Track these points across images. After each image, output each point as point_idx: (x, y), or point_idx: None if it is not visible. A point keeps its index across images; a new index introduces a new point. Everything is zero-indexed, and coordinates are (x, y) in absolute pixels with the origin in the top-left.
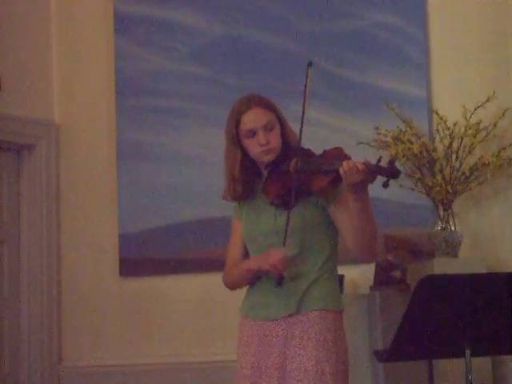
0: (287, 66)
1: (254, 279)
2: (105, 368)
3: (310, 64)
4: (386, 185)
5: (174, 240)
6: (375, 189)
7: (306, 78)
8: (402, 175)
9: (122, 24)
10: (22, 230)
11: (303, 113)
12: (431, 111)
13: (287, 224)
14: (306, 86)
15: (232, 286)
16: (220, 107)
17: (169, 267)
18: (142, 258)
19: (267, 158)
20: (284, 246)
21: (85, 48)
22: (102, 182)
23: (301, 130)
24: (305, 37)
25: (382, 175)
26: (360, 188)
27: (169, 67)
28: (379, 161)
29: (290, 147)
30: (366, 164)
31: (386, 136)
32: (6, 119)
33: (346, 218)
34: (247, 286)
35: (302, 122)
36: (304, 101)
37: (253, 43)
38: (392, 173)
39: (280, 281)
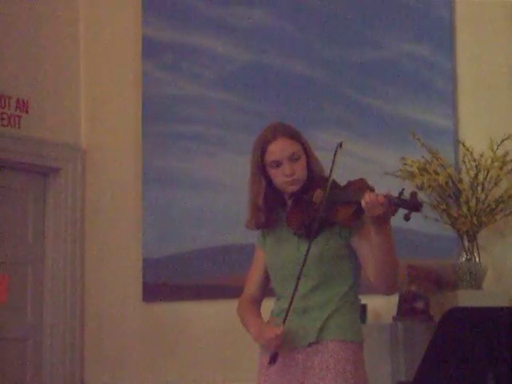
0: (313, 93)
1: None
2: None
3: (340, 145)
4: (407, 218)
5: (197, 266)
6: (399, 219)
7: (334, 155)
8: (427, 206)
9: (150, 49)
10: (46, 253)
11: (329, 181)
12: (457, 142)
13: (305, 259)
14: (333, 163)
15: (241, 319)
16: (245, 133)
17: (192, 293)
18: (165, 283)
19: (292, 189)
20: (284, 322)
21: (112, 73)
22: (127, 206)
23: (332, 167)
24: (331, 65)
25: (403, 208)
26: (382, 220)
27: (195, 93)
28: (401, 193)
29: (314, 177)
30: (388, 196)
31: (411, 166)
32: (33, 142)
33: (368, 249)
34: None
35: (334, 158)
36: (329, 176)
37: (279, 70)
38: (414, 206)
39: (273, 358)
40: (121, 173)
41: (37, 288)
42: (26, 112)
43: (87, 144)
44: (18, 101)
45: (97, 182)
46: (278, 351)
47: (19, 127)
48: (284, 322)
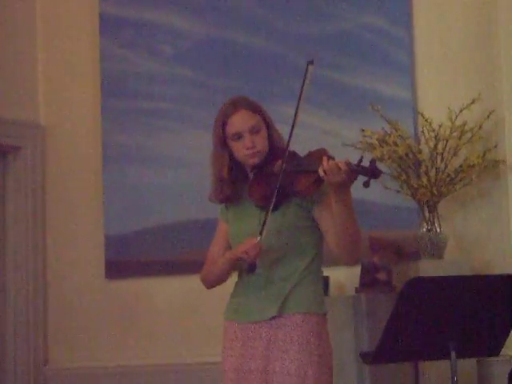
0: (273, 68)
1: (231, 270)
2: (90, 370)
3: (311, 62)
4: (366, 184)
5: (159, 242)
6: (360, 191)
7: (304, 77)
8: (387, 177)
9: (108, 26)
10: (7, 232)
11: (296, 113)
12: (416, 113)
13: (266, 214)
14: (303, 85)
15: (210, 281)
16: (205, 109)
17: (155, 269)
18: (128, 259)
19: (253, 161)
20: (261, 234)
21: (70, 50)
22: (88, 183)
23: (290, 133)
24: (290, 39)
25: (362, 175)
26: (342, 188)
27: (154, 69)
28: (360, 161)
29: (275, 150)
30: (347, 163)
31: (371, 138)
32: None
33: (329, 220)
34: (231, 291)
35: (293, 124)
36: (299, 100)
37: (239, 45)
38: (373, 172)
39: (251, 267)
40: (81, 150)
41: None
42: None
43: (46, 122)
44: None
45: (57, 160)
46: (255, 261)
47: None
48: (260, 233)
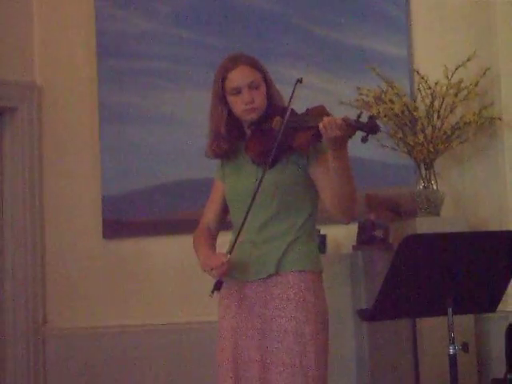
0: (271, 27)
1: None
2: (89, 330)
3: (300, 81)
4: (364, 140)
5: (157, 201)
6: (357, 149)
7: (293, 91)
8: (383, 135)
9: None
10: (4, 193)
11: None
12: (412, 71)
13: (258, 186)
14: (290, 99)
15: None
16: (202, 68)
17: (152, 229)
18: (125, 219)
19: (251, 117)
20: (230, 252)
21: (65, 9)
22: (85, 143)
23: (292, 94)
24: None
25: (361, 130)
26: (339, 144)
27: (150, 29)
28: (359, 116)
29: (274, 107)
30: (346, 119)
31: (367, 96)
32: None
33: (325, 177)
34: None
35: (293, 90)
36: (288, 105)
37: (237, 4)
38: (371, 128)
39: (217, 285)
40: (77, 110)
41: None
42: None
43: (42, 82)
44: None
45: (53, 120)
46: (222, 279)
47: None
48: (230, 252)
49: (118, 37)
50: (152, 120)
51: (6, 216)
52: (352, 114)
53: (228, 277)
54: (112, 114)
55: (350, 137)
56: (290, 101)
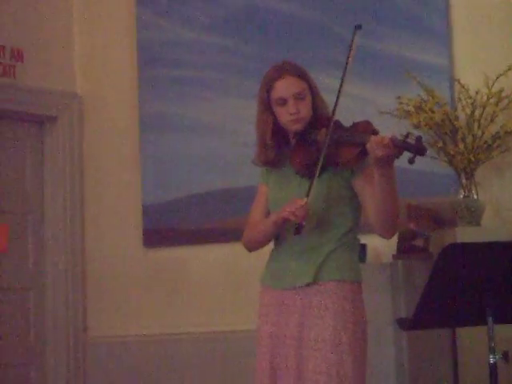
0: (307, 34)
1: (275, 233)
2: (129, 338)
3: (359, 26)
4: (412, 161)
5: (197, 210)
6: (399, 160)
7: (352, 40)
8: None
9: None
10: (45, 202)
11: (342, 80)
12: (453, 80)
13: (313, 179)
14: (350, 48)
15: (252, 245)
16: (241, 77)
17: (192, 237)
18: (166, 228)
19: (296, 127)
20: (307, 196)
21: (106, 19)
22: (125, 152)
23: (336, 102)
24: (323, 4)
25: (408, 151)
26: (385, 163)
27: (190, 37)
28: (407, 136)
29: (319, 117)
30: (393, 140)
31: (407, 105)
32: (28, 91)
33: (369, 191)
34: (268, 257)
35: (339, 92)
36: (345, 67)
37: (272, 13)
38: (419, 149)
39: (299, 229)
40: (118, 119)
41: (37, 237)
42: (21, 61)
43: (83, 91)
44: (12, 50)
45: (94, 130)
46: (302, 222)
47: (14, 77)
48: (307, 194)
49: (159, 46)
50: (192, 129)
51: (47, 224)
52: (392, 124)
53: (268, 284)
54: (152, 123)
55: (397, 157)
56: (350, 51)
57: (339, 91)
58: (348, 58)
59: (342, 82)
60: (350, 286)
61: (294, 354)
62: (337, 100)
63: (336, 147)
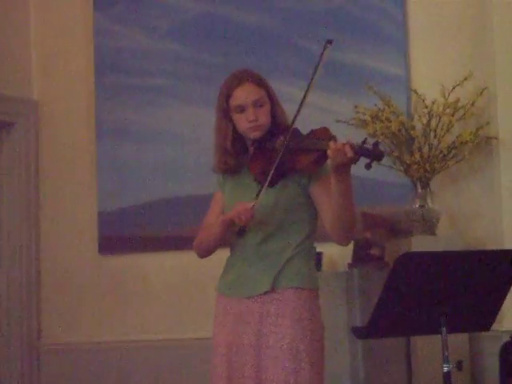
0: (266, 44)
1: (223, 236)
2: (83, 345)
3: (329, 42)
4: (368, 167)
5: (153, 218)
6: (354, 167)
7: (322, 53)
8: None
9: (101, 1)
10: (1, 208)
11: (307, 90)
12: (410, 90)
13: (261, 187)
14: (319, 63)
15: (202, 249)
16: (200, 85)
17: (148, 245)
18: (121, 235)
19: (254, 135)
20: (257, 197)
21: (63, 25)
22: (82, 159)
23: (298, 111)
24: (284, 15)
25: (366, 157)
26: (343, 169)
27: (148, 45)
28: (364, 142)
29: (278, 125)
30: (351, 145)
31: (364, 114)
32: None
33: (326, 199)
34: (224, 265)
35: (301, 101)
36: (312, 79)
37: (233, 21)
38: (377, 155)
39: (242, 231)
40: (75, 125)
41: None
42: None
43: (40, 98)
44: None
45: (50, 136)
46: (246, 225)
47: None
48: (257, 196)
49: (117, 53)
50: (149, 136)
51: (2, 231)
52: (349, 133)
53: (224, 292)
54: (109, 130)
55: (354, 163)
56: (318, 65)
57: (302, 102)
58: (315, 71)
59: (306, 93)
60: (307, 293)
61: (251, 363)
62: (299, 109)
63: (294, 154)
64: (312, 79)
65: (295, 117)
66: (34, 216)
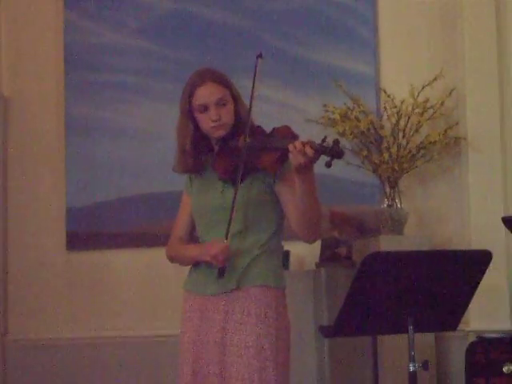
0: (236, 41)
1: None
2: (50, 341)
3: (260, 55)
4: (328, 164)
5: (121, 214)
6: (322, 166)
7: (255, 68)
8: (349, 152)
9: None
10: None
11: (251, 101)
12: (379, 89)
13: (233, 202)
14: (254, 77)
15: (174, 262)
16: (169, 82)
17: (115, 241)
18: (89, 231)
19: (218, 134)
20: (226, 237)
21: (33, 21)
22: (50, 155)
23: (249, 111)
24: (254, 13)
25: (325, 155)
26: (305, 168)
27: (118, 42)
28: (324, 140)
29: (242, 124)
30: (311, 144)
31: (333, 113)
32: None
33: (290, 197)
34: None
35: (249, 107)
36: (252, 89)
37: (203, 19)
38: (336, 153)
39: (221, 273)
40: (43, 121)
41: None
42: None
43: (9, 92)
44: None
45: (19, 131)
46: (225, 265)
47: None
48: (226, 236)
49: (86, 49)
50: (117, 133)
51: None
52: (318, 131)
53: (191, 289)
54: (78, 127)
55: (314, 161)
56: (254, 80)
57: (249, 114)
58: (253, 85)
59: (250, 106)
60: (273, 291)
61: (216, 360)
62: (255, 70)
63: (257, 153)
64: (252, 94)
65: (254, 76)
66: (1, 211)
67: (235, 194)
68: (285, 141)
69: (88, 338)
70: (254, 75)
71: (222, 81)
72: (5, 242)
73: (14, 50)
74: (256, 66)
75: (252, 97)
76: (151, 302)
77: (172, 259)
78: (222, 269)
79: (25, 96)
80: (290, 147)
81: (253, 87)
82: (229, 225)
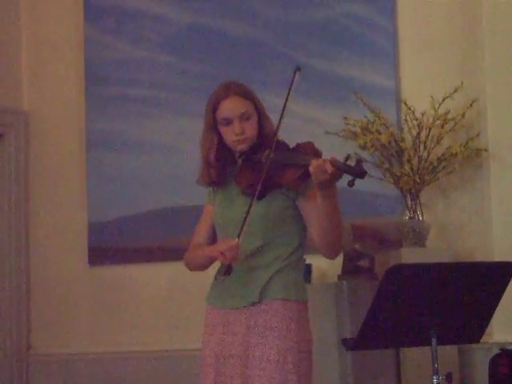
0: (257, 55)
1: (210, 265)
2: (73, 356)
3: (298, 69)
4: (351, 184)
5: (143, 228)
6: (343, 180)
7: (292, 81)
8: (370, 165)
9: (92, 12)
10: None
11: (283, 110)
12: (400, 101)
13: (247, 213)
14: (290, 89)
15: (191, 267)
16: (189, 96)
17: (138, 256)
18: (111, 246)
19: (241, 147)
20: (239, 236)
21: (54, 36)
22: (72, 170)
23: (278, 125)
24: (274, 26)
25: (348, 174)
26: (327, 185)
27: (138, 56)
28: (347, 159)
29: (265, 137)
30: (333, 163)
31: (354, 126)
32: None
33: (313, 212)
34: (213, 276)
35: (280, 119)
36: (286, 100)
37: (224, 33)
38: (358, 173)
39: (228, 270)
40: (64, 136)
41: None
42: None
43: (29, 108)
44: None
45: (40, 147)
46: (232, 263)
47: None
48: (238, 235)
49: (107, 64)
50: (138, 147)
51: None
52: (338, 144)
53: (213, 303)
54: (99, 141)
55: (337, 180)
56: (288, 92)
57: (278, 126)
58: (287, 97)
59: (280, 119)
60: (295, 305)
61: (239, 374)
62: (278, 125)
63: (279, 168)
64: (284, 106)
65: (276, 131)
66: (24, 226)
67: (250, 205)
68: (307, 157)
69: (111, 352)
70: (290, 88)
71: (247, 94)
72: (27, 258)
73: (34, 65)
74: (293, 79)
75: (284, 109)
76: (173, 316)
77: (188, 263)
78: (229, 266)
79: (45, 111)
80: (312, 163)
81: (286, 99)
82: (242, 227)
